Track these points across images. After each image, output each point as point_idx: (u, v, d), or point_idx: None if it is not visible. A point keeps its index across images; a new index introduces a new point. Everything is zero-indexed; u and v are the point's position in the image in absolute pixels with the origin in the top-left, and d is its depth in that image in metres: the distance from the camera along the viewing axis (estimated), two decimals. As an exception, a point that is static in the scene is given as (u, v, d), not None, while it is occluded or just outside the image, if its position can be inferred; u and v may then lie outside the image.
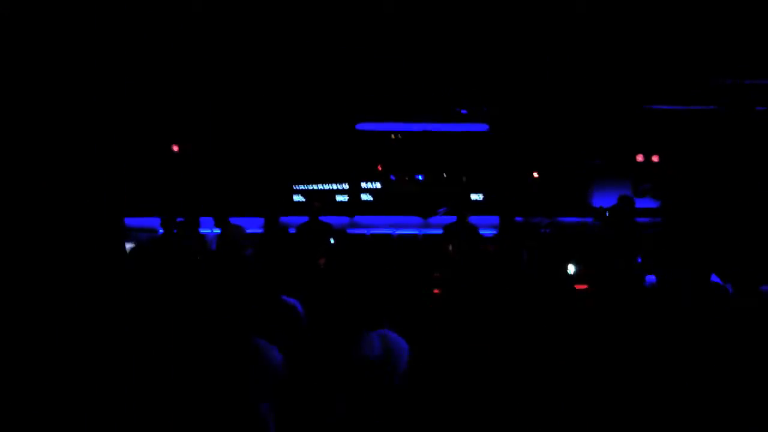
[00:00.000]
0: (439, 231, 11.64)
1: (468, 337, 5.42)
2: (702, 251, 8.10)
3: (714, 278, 6.19)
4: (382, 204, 13.11)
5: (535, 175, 13.29)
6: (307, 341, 5.33)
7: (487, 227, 10.94)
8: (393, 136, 13.21)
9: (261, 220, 10.22)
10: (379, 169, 13.27)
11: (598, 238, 9.81)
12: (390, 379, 4.42)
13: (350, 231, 11.94)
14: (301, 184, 13.21)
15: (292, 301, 6.00)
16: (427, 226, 12.37)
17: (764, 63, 11.18)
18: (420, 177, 13.31)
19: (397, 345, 4.56)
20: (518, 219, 10.69)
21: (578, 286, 7.16)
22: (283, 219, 10.60)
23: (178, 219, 9.57)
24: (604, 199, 13.13)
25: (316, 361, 4.82)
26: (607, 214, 9.91)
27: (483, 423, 4.69)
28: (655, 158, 13.23)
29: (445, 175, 13.30)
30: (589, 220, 10.96)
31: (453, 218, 10.27)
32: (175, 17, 9.63)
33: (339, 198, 13.22)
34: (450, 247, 8.97)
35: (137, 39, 10.06)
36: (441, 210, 12.69)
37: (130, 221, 11.25)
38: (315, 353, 4.95)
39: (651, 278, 7.43)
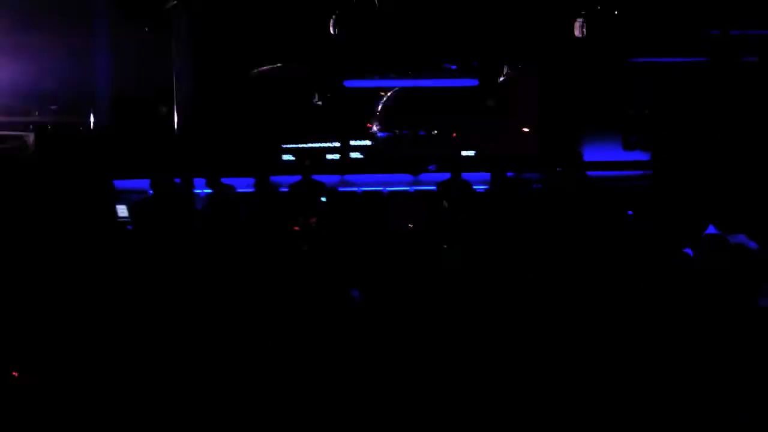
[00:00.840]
0: (430, 188, 11.67)
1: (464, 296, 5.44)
2: (693, 201, 8.16)
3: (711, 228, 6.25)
4: (372, 162, 13.05)
5: (525, 129, 13.28)
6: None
7: (478, 183, 10.95)
8: (382, 93, 13.13)
9: (251, 180, 10.19)
10: (369, 126, 13.22)
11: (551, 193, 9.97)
12: None
13: (341, 189, 11.92)
14: (290, 143, 13.13)
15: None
16: (418, 183, 12.36)
17: (750, 13, 11.17)
18: (409, 134, 13.26)
19: None
20: (509, 174, 10.69)
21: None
22: (273, 178, 10.57)
23: (176, 179, 9.55)
24: (594, 153, 13.14)
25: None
26: (558, 169, 10.05)
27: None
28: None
29: (435, 132, 13.26)
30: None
31: (445, 175, 10.30)
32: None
33: (329, 156, 13.15)
34: (444, 203, 8.99)
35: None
36: (431, 167, 12.67)
37: (121, 183, 11.18)
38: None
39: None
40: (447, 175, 10.64)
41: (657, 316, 5.08)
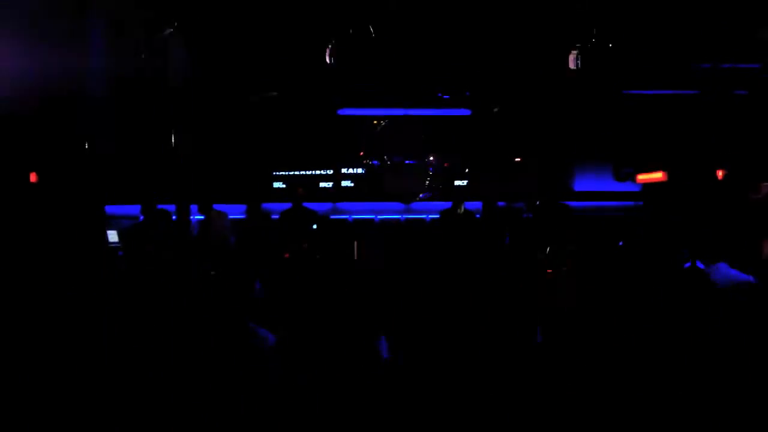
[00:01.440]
0: (421, 216, 11.70)
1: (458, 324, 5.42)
2: (683, 233, 8.17)
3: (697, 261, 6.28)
4: (364, 190, 13.08)
5: (518, 159, 13.32)
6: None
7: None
8: (375, 121, 13.16)
9: (243, 207, 10.19)
10: (361, 154, 13.24)
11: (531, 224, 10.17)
12: None
13: (333, 217, 11.95)
14: (282, 170, 13.15)
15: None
16: (410, 211, 12.38)
17: (742, 47, 11.25)
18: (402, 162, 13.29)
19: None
20: (500, 204, 10.73)
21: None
22: (265, 205, 10.58)
23: (169, 207, 9.54)
24: (585, 184, 13.20)
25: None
26: (538, 202, 10.21)
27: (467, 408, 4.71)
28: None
29: (427, 161, 13.29)
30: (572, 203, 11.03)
31: (434, 203, 10.35)
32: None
33: (322, 184, 13.18)
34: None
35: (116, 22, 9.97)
36: (423, 195, 12.69)
37: (111, 209, 11.17)
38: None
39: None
40: (438, 204, 10.71)
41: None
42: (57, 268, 7.37)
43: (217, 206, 10.06)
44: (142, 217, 9.85)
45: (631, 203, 12.68)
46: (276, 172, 13.18)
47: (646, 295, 5.77)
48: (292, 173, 13.12)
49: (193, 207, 10.04)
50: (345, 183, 13.19)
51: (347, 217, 12.10)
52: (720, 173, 11.89)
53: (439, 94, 12.87)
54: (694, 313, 5.45)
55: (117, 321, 5.18)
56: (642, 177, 12.87)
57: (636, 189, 13.07)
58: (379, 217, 12.05)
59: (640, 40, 10.84)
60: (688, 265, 6.58)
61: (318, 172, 13.18)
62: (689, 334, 5.30)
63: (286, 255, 9.16)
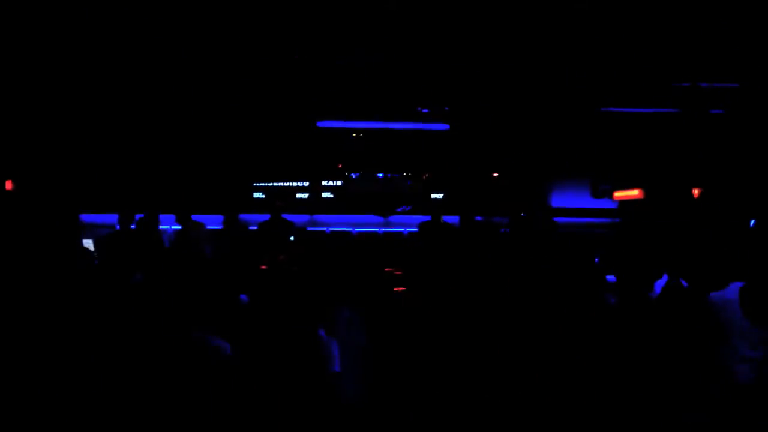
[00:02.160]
0: (399, 229, 11.70)
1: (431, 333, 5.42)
2: (659, 251, 8.22)
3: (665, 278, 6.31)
4: (342, 202, 13.10)
5: (495, 174, 13.37)
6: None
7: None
8: (354, 134, 13.21)
9: (221, 217, 10.16)
10: (340, 167, 13.26)
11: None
12: None
13: (310, 229, 11.92)
14: (261, 181, 13.14)
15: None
16: (387, 224, 12.38)
17: (719, 66, 11.36)
18: (380, 175, 13.32)
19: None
20: (478, 218, 10.75)
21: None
22: (243, 216, 10.55)
23: (137, 215, 9.49)
24: (563, 200, 13.26)
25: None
26: (522, 214, 10.29)
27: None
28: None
29: (405, 174, 13.34)
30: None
31: (412, 217, 10.34)
32: (133, 17, 9.54)
33: (299, 196, 13.19)
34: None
35: (95, 35, 9.95)
36: (401, 209, 12.71)
37: (88, 217, 11.12)
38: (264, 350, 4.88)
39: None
40: (416, 218, 10.73)
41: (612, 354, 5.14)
42: (31, 274, 7.30)
43: (195, 216, 10.02)
44: (118, 227, 9.79)
45: (607, 220, 12.75)
46: (256, 183, 13.18)
47: (621, 311, 5.80)
48: (271, 185, 13.12)
49: (171, 216, 10.02)
50: (323, 195, 13.21)
51: (324, 229, 12.10)
52: (696, 192, 11.98)
53: (418, 108, 12.92)
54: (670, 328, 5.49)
55: (87, 327, 5.15)
56: (619, 194, 12.94)
57: (613, 206, 13.15)
58: (356, 229, 12.06)
59: (619, 58, 10.93)
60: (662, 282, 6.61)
61: (296, 183, 13.18)
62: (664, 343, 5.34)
63: (262, 267, 9.09)
